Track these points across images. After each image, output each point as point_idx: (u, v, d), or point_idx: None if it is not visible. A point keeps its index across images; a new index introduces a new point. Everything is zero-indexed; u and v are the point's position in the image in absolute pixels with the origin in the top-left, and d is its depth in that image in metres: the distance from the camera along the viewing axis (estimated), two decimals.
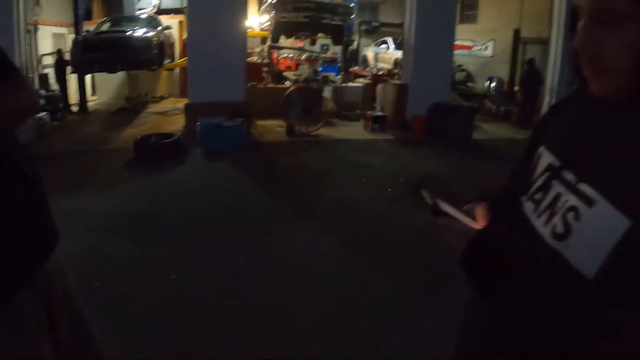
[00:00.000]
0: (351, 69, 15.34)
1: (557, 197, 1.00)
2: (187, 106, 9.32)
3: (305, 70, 13.05)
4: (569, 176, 0.99)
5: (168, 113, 11.12)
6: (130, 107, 11.71)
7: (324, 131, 10.11)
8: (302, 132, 9.65)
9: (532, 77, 12.21)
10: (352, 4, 14.99)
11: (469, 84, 16.87)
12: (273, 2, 12.83)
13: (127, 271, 4.14)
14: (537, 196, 1.08)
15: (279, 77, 12.82)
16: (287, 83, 11.93)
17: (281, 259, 4.50)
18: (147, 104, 12.20)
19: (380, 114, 11.14)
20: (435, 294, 3.82)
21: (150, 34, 11.61)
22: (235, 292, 3.87)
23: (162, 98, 13.14)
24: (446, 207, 1.08)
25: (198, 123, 8.30)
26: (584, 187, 0.93)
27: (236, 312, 3.58)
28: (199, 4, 9.03)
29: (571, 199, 0.95)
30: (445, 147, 9.60)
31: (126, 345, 3.02)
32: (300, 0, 13.27)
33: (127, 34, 11.22)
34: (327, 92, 11.94)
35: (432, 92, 10.88)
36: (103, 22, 12.48)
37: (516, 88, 14.52)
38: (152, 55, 11.34)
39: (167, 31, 13.18)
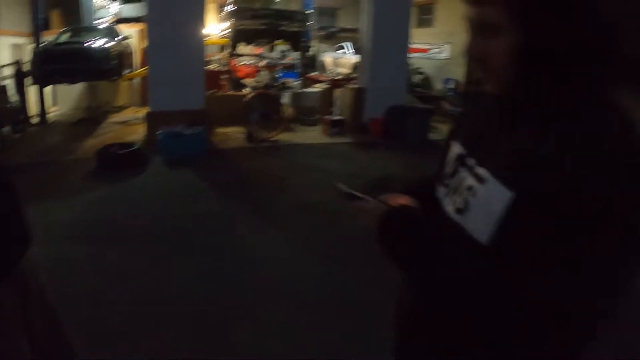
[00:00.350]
0: (309, 75, 15.48)
1: (462, 180, 1.16)
2: (147, 115, 9.39)
3: (264, 76, 13.18)
4: (470, 162, 1.15)
5: (129, 122, 11.16)
6: (91, 117, 11.69)
7: (283, 136, 10.26)
8: (261, 138, 9.78)
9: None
10: (310, 11, 15.18)
11: (418, 89, 17.14)
12: (232, 10, 12.97)
13: (96, 277, 4.28)
14: (447, 181, 1.25)
15: (239, 84, 12.94)
16: (246, 90, 12.06)
17: (243, 261, 4.70)
18: (108, 114, 12.20)
19: (338, 117, 11.32)
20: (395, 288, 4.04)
21: (110, 44, 11.63)
22: (201, 294, 4.06)
23: (123, 107, 13.14)
24: (361, 195, 1.30)
25: (158, 132, 8.42)
26: (479, 170, 1.09)
27: (203, 312, 3.79)
28: (158, 13, 9.08)
29: (470, 180, 1.12)
30: (402, 148, 9.84)
31: (99, 347, 3.19)
32: (258, 7, 13.46)
33: (87, 44, 11.22)
34: (285, 98, 12.10)
35: (389, 95, 11.09)
36: (62, 33, 12.46)
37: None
38: (112, 65, 11.36)
39: (126, 41, 13.21)
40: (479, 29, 1.04)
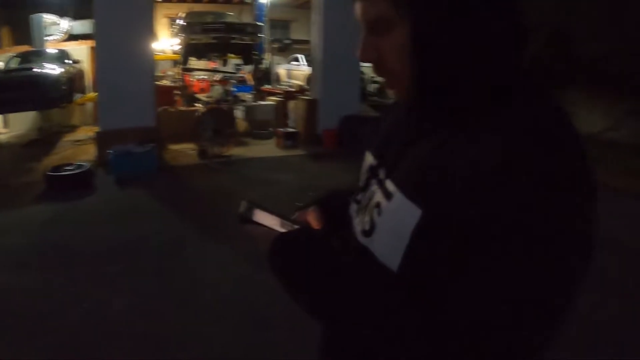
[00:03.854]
0: (263, 87, 15.52)
1: (372, 195, 1.02)
2: (97, 134, 9.31)
3: (217, 91, 13.17)
4: (381, 174, 1.02)
5: (81, 142, 11.04)
6: (42, 138, 11.57)
7: (237, 151, 10.27)
8: (214, 154, 9.76)
9: None
10: (262, 23, 15.23)
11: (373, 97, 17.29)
12: (182, 24, 12.96)
13: (39, 304, 4.23)
14: (359, 196, 1.09)
15: (193, 100, 12.92)
16: (199, 105, 12.05)
17: (194, 282, 4.70)
18: (61, 134, 12.05)
19: (291, 130, 11.35)
20: None
21: (60, 70, 11.53)
22: (149, 317, 4.04)
23: (76, 127, 13.00)
24: (261, 216, 1.11)
25: (109, 151, 8.36)
26: (387, 183, 0.96)
27: (150, 336, 3.77)
28: (106, 30, 9.01)
29: (378, 196, 0.98)
30: (356, 158, 9.79)
31: None
32: (209, 21, 13.45)
33: (36, 71, 11.10)
34: (239, 112, 12.10)
35: (342, 105, 11.17)
36: (11, 58, 12.32)
37: None
38: (62, 92, 11.27)
39: (77, 65, 13.09)
40: (370, 28, 0.93)
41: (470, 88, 0.87)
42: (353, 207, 1.12)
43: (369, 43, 0.94)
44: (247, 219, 1.11)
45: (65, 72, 11.67)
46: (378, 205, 0.96)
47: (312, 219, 1.19)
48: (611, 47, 11.28)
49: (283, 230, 1.08)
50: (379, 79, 17.22)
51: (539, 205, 0.74)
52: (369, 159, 1.12)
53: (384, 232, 0.93)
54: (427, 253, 0.84)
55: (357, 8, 0.94)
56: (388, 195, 0.94)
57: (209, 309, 4.19)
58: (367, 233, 0.98)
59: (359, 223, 1.04)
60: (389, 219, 0.92)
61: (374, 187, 1.02)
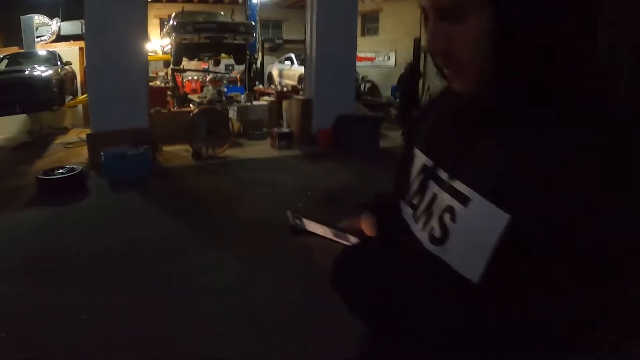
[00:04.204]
0: (256, 88, 15.43)
1: (434, 198, 0.94)
2: (89, 137, 9.13)
3: (209, 91, 13.04)
4: (443, 175, 0.93)
5: (72, 145, 10.86)
6: (33, 141, 11.39)
7: (231, 152, 10.16)
8: (208, 155, 9.66)
9: (415, 80, 12.41)
10: (254, 23, 15.10)
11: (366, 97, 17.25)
12: (174, 24, 12.79)
13: (34, 316, 4.00)
14: (415, 200, 1.01)
15: (184, 100, 12.77)
16: (192, 106, 11.91)
17: (194, 287, 4.55)
18: (52, 137, 11.87)
19: (286, 130, 11.30)
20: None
21: (50, 71, 11.30)
22: (150, 325, 3.88)
23: (67, 129, 12.81)
24: (312, 226, 1.04)
25: (101, 153, 8.19)
26: (459, 185, 0.86)
27: (154, 345, 3.62)
28: (97, 30, 8.83)
29: (446, 199, 0.89)
30: (352, 158, 9.86)
31: None
32: (201, 21, 13.31)
33: (26, 73, 10.87)
34: (232, 113, 11.99)
35: (336, 104, 11.15)
36: (1, 60, 12.13)
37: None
38: (53, 94, 11.00)
39: (67, 66, 12.90)
40: (441, 16, 0.86)
41: (553, 77, 0.79)
42: (407, 210, 1.03)
43: (440, 31, 0.86)
44: (299, 230, 1.06)
45: (55, 74, 11.44)
46: (450, 210, 0.86)
47: (366, 226, 1.11)
48: None
49: (337, 239, 1.00)
50: (370, 78, 17.48)
51: None
52: (421, 158, 1.03)
53: (462, 240, 0.83)
54: (515, 261, 0.74)
55: None
56: (462, 199, 0.84)
57: (210, 315, 4.03)
58: (439, 241, 0.88)
59: (422, 229, 0.94)
60: (467, 226, 0.83)
61: (435, 189, 0.94)
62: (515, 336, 0.76)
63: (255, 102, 13.26)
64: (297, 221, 1.05)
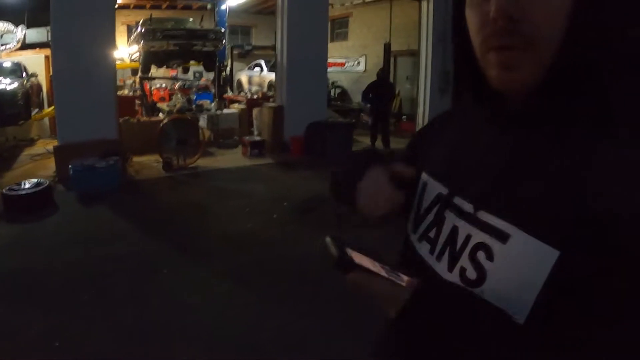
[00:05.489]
0: (225, 95, 15.27)
1: (455, 231, 0.85)
2: (56, 149, 8.84)
3: (178, 99, 12.85)
4: (465, 206, 0.84)
5: (39, 157, 10.54)
6: None
7: (203, 162, 10.00)
8: (179, 166, 9.48)
9: (385, 88, 12.08)
10: (223, 29, 14.96)
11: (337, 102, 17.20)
12: (142, 31, 12.59)
13: (2, 345, 3.75)
14: (431, 234, 0.91)
15: (153, 109, 12.55)
16: (161, 115, 11.70)
17: (170, 307, 4.36)
18: (18, 149, 11.50)
19: (257, 138, 11.21)
20: (338, 321, 3.88)
21: (16, 84, 10.94)
22: (129, 350, 3.69)
23: (33, 140, 12.45)
24: (359, 258, 0.80)
25: (69, 166, 7.93)
26: (491, 219, 0.78)
27: None
28: (64, 37, 8.57)
29: (475, 234, 0.80)
30: (325, 165, 9.75)
31: None
32: (169, 28, 13.14)
33: None
34: (202, 121, 11.82)
35: (308, 111, 11.13)
36: None
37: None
38: (19, 108, 10.68)
39: (33, 78, 12.55)
40: None
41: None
42: (424, 246, 0.93)
43: None
44: (349, 264, 0.78)
45: (21, 87, 11.09)
46: (482, 246, 0.78)
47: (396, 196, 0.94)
48: None
49: (390, 277, 0.78)
50: (341, 83, 17.42)
51: None
52: (434, 185, 0.94)
53: (502, 281, 0.75)
54: (565, 300, 0.67)
55: None
56: (500, 235, 0.75)
57: (190, 334, 3.88)
58: (474, 283, 0.79)
59: (450, 270, 0.84)
60: (508, 266, 0.74)
61: (456, 222, 0.85)
62: None
63: (225, 110, 13.13)
64: (342, 252, 0.79)
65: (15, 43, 15.16)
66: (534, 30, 0.72)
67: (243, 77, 19.25)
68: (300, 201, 7.40)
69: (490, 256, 0.77)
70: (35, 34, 15.03)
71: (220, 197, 7.85)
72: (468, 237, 0.81)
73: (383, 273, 0.79)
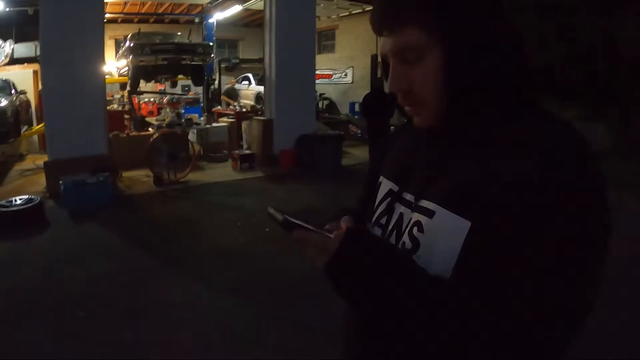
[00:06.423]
0: (214, 109, 15.27)
1: (401, 217, 1.09)
2: (47, 165, 8.80)
3: (167, 114, 12.83)
4: (408, 197, 1.09)
5: (30, 172, 10.47)
6: None
7: (193, 176, 9.99)
8: (170, 180, 9.47)
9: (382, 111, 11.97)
10: (211, 43, 14.97)
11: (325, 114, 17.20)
12: (130, 46, 12.57)
13: None
14: (382, 220, 1.15)
15: (142, 124, 12.52)
16: (151, 129, 11.67)
17: (167, 324, 4.34)
18: (7, 164, 11.41)
19: (247, 152, 11.23)
20: (337, 336, 3.87)
21: (5, 102, 10.87)
22: None
23: (22, 156, 12.36)
24: (297, 221, 1.03)
25: (60, 182, 7.89)
26: (425, 203, 1.01)
27: None
28: (52, 52, 8.53)
29: (414, 216, 1.03)
30: (315, 177, 9.84)
31: None
32: (158, 42, 13.13)
33: None
34: (192, 135, 11.82)
35: (297, 124, 11.21)
36: None
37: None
38: (9, 126, 10.62)
39: (22, 95, 12.49)
40: (401, 58, 0.99)
41: (502, 102, 0.98)
42: (376, 230, 1.16)
43: (401, 73, 1.00)
44: (291, 225, 1.02)
45: (10, 105, 11.02)
46: (418, 224, 1.01)
47: (348, 224, 1.11)
48: (555, 55, 11.62)
49: (322, 232, 1.02)
50: (328, 95, 17.51)
51: (573, 209, 0.83)
52: (386, 184, 1.19)
53: (431, 247, 0.97)
54: (479, 257, 0.89)
55: (386, 42, 1.00)
56: (428, 213, 0.99)
57: (187, 350, 3.87)
58: (411, 252, 1.01)
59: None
60: (435, 235, 0.97)
61: (402, 210, 1.09)
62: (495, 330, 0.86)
63: (214, 124, 13.13)
64: (284, 216, 1.03)
65: (3, 58, 15.06)
66: (421, 95, 1.00)
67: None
68: (293, 214, 7.39)
69: (421, 229, 1.00)
70: (24, 49, 14.93)
71: (212, 211, 7.85)
72: (409, 220, 1.05)
73: (317, 230, 1.02)
